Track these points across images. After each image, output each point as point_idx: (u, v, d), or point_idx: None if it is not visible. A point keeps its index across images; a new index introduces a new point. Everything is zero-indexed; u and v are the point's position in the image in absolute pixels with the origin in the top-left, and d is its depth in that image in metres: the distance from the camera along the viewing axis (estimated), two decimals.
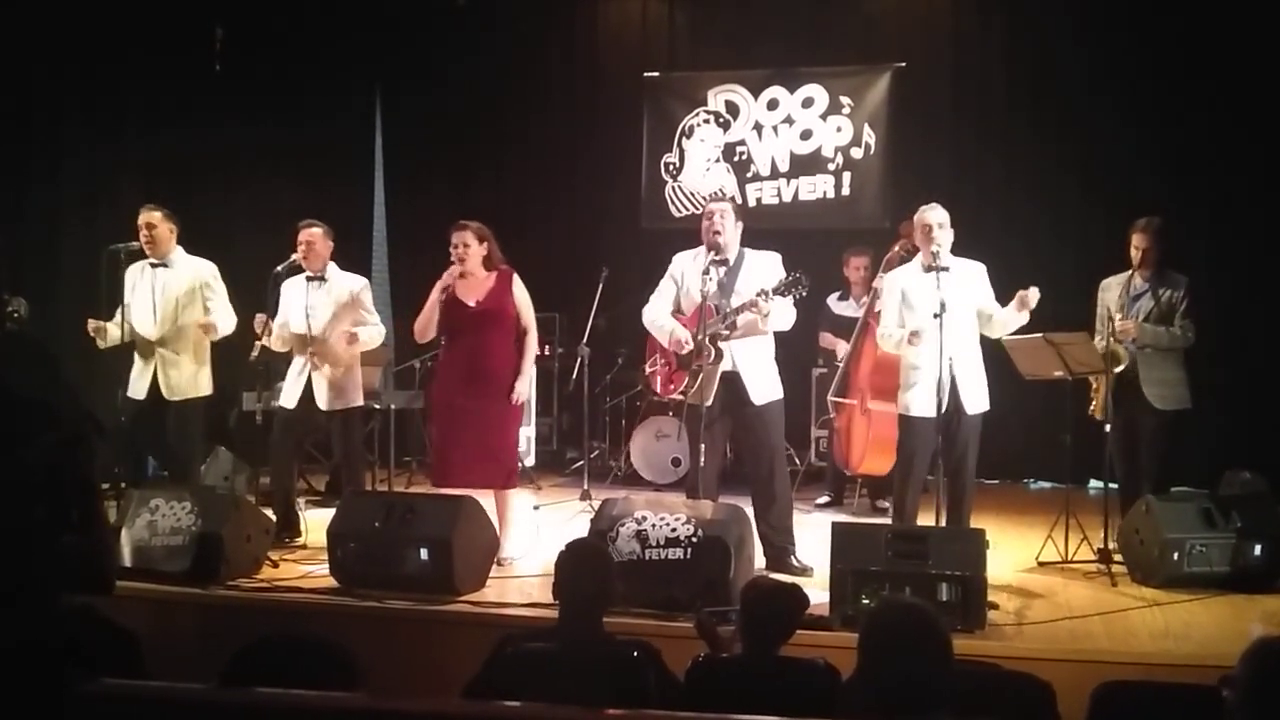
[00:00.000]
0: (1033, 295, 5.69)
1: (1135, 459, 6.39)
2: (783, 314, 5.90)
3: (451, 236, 6.09)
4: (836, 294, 8.17)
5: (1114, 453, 6.24)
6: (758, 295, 5.72)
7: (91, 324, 6.61)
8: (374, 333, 6.70)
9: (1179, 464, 6.68)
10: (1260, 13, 8.22)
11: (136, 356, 6.65)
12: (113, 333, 6.57)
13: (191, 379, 6.71)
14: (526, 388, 6.11)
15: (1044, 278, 8.61)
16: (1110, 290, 6.50)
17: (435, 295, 6.07)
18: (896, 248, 7.54)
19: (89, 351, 6.85)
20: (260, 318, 6.50)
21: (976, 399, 5.85)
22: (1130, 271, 6.43)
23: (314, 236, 6.62)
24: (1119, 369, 6.18)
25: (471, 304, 6.05)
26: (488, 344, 6.04)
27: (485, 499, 5.93)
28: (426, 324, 6.13)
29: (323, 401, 6.56)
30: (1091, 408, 6.43)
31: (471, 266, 6.05)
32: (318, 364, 6.54)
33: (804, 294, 5.83)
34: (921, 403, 5.86)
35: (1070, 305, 7.02)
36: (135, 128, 9.00)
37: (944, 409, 5.70)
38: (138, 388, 6.64)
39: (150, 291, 6.63)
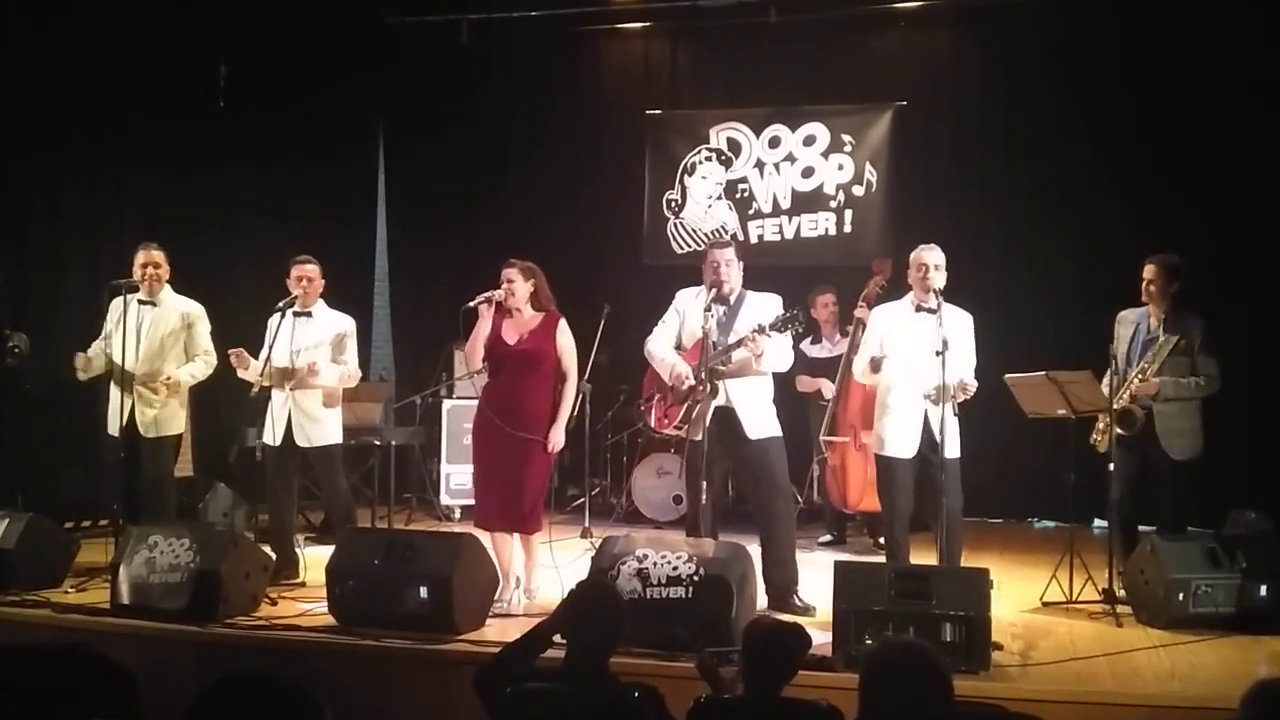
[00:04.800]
0: (969, 390, 5.76)
1: (1137, 502, 6.31)
2: (780, 353, 5.91)
3: (501, 273, 6.03)
4: (808, 339, 8.14)
5: (1117, 495, 6.17)
6: (754, 330, 5.72)
7: (80, 358, 6.59)
8: (339, 372, 6.63)
9: (1183, 505, 6.63)
10: (1251, 60, 8.29)
11: (114, 392, 6.61)
12: (96, 363, 6.61)
13: (168, 418, 6.68)
14: (561, 437, 5.94)
15: (1043, 312, 8.78)
16: (1124, 324, 6.38)
17: (482, 320, 5.96)
18: (871, 284, 7.57)
19: (91, 387, 6.84)
20: (233, 353, 6.45)
21: (955, 443, 5.83)
22: (1146, 310, 6.29)
23: (314, 273, 6.66)
24: (1131, 432, 6.11)
25: (512, 342, 5.96)
26: (524, 385, 5.91)
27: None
28: (471, 351, 6.06)
29: (302, 438, 6.56)
30: (1094, 439, 6.33)
31: (518, 304, 5.99)
32: (298, 400, 6.54)
33: (800, 330, 5.86)
34: (899, 442, 5.88)
35: (1071, 339, 7.03)
36: (137, 164, 9.03)
37: (930, 449, 5.72)
38: (113, 424, 6.60)
39: (136, 329, 6.59)
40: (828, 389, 7.89)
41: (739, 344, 5.77)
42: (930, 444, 5.77)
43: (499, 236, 9.34)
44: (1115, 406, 6.09)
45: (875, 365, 5.93)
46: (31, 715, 2.78)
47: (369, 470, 8.40)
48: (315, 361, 6.49)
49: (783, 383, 6.19)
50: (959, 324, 5.93)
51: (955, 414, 5.74)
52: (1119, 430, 6.09)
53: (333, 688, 4.95)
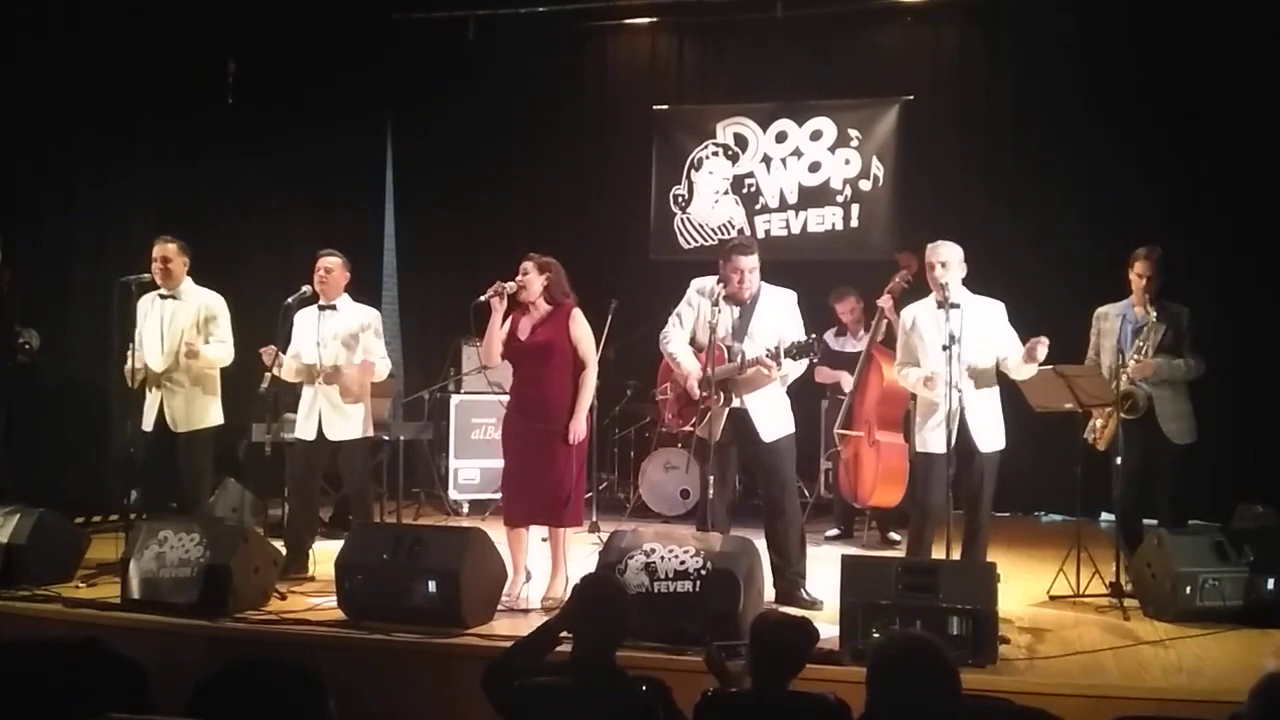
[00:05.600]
0: (1040, 349, 5.67)
1: (1140, 495, 6.34)
2: (795, 370, 5.90)
3: (520, 266, 6.00)
4: (833, 330, 8.17)
5: (1121, 488, 6.19)
6: (768, 355, 5.70)
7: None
8: (381, 366, 6.71)
9: (1190, 498, 6.64)
10: (1257, 52, 8.30)
11: (147, 388, 6.66)
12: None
13: (198, 410, 6.69)
14: (581, 427, 5.88)
15: (1049, 309, 8.74)
16: (1107, 319, 6.44)
17: (494, 314, 5.93)
18: (897, 278, 7.56)
19: (102, 383, 6.87)
20: (269, 350, 6.49)
21: (989, 437, 5.82)
22: (1129, 301, 6.38)
23: (333, 265, 6.66)
24: (1135, 416, 6.12)
25: (524, 337, 5.95)
26: (542, 377, 5.88)
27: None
28: (487, 347, 6.03)
29: (331, 432, 6.57)
30: (1093, 438, 6.36)
31: (531, 297, 5.94)
32: (327, 394, 6.55)
33: (815, 359, 5.80)
34: (938, 439, 5.86)
35: (1075, 337, 7.02)
36: (147, 160, 9.05)
37: (954, 444, 5.69)
38: (147, 420, 6.65)
39: (159, 323, 6.64)
40: (846, 382, 7.87)
41: (754, 363, 5.76)
42: (967, 439, 5.75)
43: (506, 232, 9.37)
44: (1116, 391, 6.12)
45: (930, 384, 5.84)
46: (43, 709, 2.80)
47: (377, 465, 8.42)
48: (364, 361, 6.52)
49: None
50: (989, 314, 5.90)
51: (962, 409, 5.72)
52: (1124, 415, 6.10)
53: (341, 682, 4.98)
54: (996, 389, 5.88)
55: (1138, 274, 6.31)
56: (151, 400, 6.65)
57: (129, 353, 6.58)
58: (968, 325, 5.67)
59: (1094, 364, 6.37)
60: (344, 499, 7.60)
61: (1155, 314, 6.23)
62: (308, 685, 2.50)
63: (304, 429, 6.61)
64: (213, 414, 6.78)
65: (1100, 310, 6.51)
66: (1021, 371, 5.84)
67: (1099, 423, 6.30)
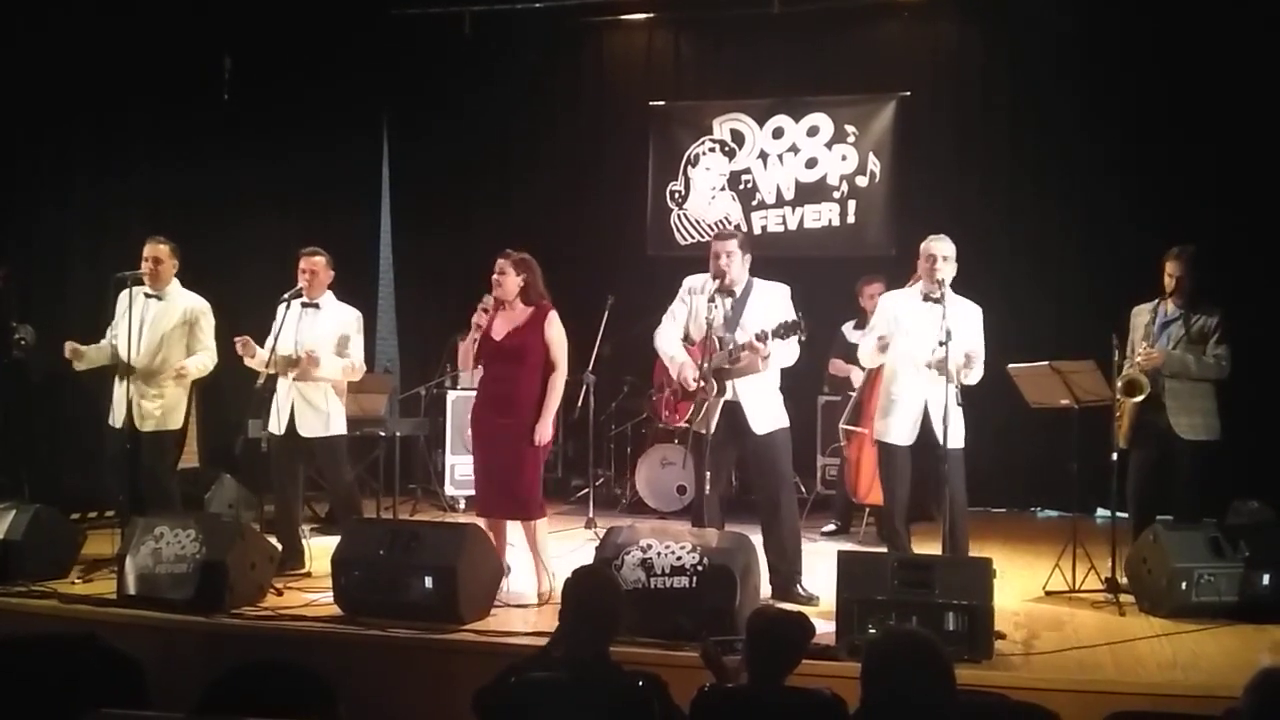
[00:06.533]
0: (974, 361, 5.79)
1: (1154, 489, 6.33)
2: (785, 353, 5.90)
3: (495, 263, 6.01)
4: (852, 322, 8.16)
5: (1134, 481, 6.20)
6: (757, 337, 5.72)
7: (69, 346, 6.59)
8: (342, 365, 6.63)
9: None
10: (1256, 48, 8.31)
11: (116, 384, 6.62)
12: (90, 355, 6.61)
13: (166, 411, 6.64)
14: (547, 430, 5.89)
15: (1049, 301, 8.78)
16: (1141, 316, 6.44)
17: (474, 323, 6.00)
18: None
19: (97, 380, 6.85)
20: (239, 340, 6.44)
21: (960, 433, 5.82)
22: (1161, 299, 6.36)
23: (317, 265, 6.66)
24: (1140, 398, 6.13)
25: (499, 338, 5.95)
26: (512, 378, 5.90)
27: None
28: (466, 355, 6.12)
29: (305, 429, 6.57)
30: (1118, 438, 6.37)
31: (507, 296, 5.96)
32: (300, 390, 6.56)
33: (803, 338, 5.79)
34: (899, 429, 5.89)
35: (1069, 334, 7.04)
36: (143, 159, 9.04)
37: (930, 438, 5.69)
38: (117, 416, 6.61)
39: (140, 322, 6.60)
40: (857, 378, 7.84)
41: (744, 348, 5.78)
42: (930, 433, 5.76)
43: (503, 228, 9.35)
44: (1120, 381, 6.12)
45: (882, 346, 5.94)
46: (40, 705, 2.80)
47: (374, 461, 8.43)
48: (314, 350, 6.48)
49: (789, 373, 6.18)
50: (967, 316, 5.91)
51: (959, 404, 5.73)
52: (1128, 398, 6.10)
53: (338, 677, 4.98)
54: (954, 386, 5.85)
55: (1169, 274, 6.30)
56: (120, 395, 6.60)
57: (107, 341, 6.60)
58: (953, 323, 5.67)
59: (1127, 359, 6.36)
60: None
61: (1182, 310, 6.24)
62: (318, 689, 2.51)
63: (276, 424, 6.62)
64: (180, 415, 6.75)
65: (1136, 309, 6.51)
66: (965, 376, 5.84)
67: (1120, 413, 6.30)
